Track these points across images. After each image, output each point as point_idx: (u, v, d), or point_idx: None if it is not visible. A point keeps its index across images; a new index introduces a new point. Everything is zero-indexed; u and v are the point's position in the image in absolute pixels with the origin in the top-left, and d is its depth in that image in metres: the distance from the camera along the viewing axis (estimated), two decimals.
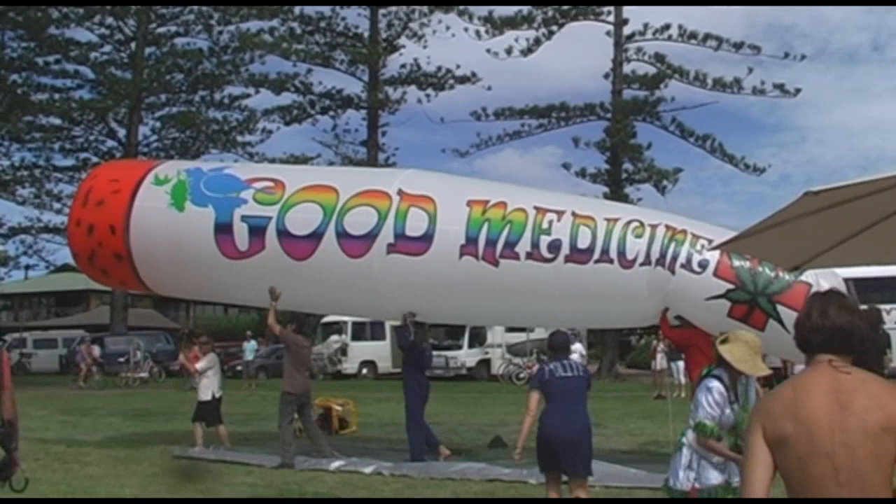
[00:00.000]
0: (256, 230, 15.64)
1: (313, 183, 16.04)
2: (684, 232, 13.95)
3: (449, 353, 42.24)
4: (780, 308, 13.08)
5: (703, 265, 13.48)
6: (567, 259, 14.03)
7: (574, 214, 14.33)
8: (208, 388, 17.26)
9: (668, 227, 14.05)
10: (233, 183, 16.22)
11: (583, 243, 14.01)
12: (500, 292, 14.55)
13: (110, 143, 56.82)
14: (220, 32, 54.94)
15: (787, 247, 7.73)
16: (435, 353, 43.55)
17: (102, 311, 63.08)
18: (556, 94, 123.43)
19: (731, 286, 13.32)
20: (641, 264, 13.76)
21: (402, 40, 54.40)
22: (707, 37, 47.88)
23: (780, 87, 47.77)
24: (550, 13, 49.23)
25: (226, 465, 15.07)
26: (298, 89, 55.10)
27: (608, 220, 14.23)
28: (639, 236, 13.93)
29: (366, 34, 54.58)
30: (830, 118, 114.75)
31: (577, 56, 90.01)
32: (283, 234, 15.47)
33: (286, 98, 55.70)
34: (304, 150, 55.86)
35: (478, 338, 41.63)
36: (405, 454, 15.43)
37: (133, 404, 28.35)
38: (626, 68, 49.45)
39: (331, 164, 54.32)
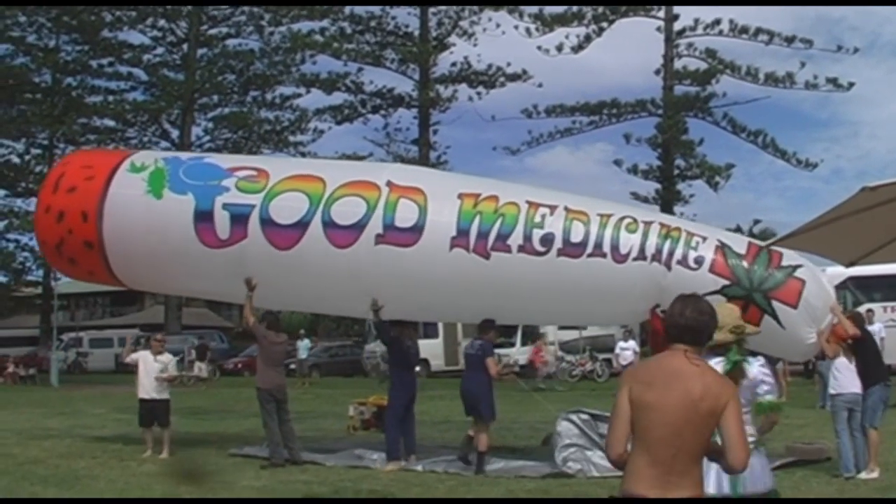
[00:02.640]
0: (238, 218, 15.17)
1: (299, 172, 15.79)
2: (678, 229, 14.09)
3: (501, 351, 42.17)
4: (775, 304, 13.22)
5: (699, 262, 13.60)
6: (560, 252, 13.98)
7: (567, 209, 14.32)
8: (145, 387, 16.54)
9: (661, 224, 14.20)
10: (214, 171, 15.92)
11: (576, 237, 13.99)
12: (490, 286, 14.26)
13: (164, 143, 57.25)
14: (272, 33, 55.24)
15: (843, 242, 7.67)
16: None
17: (157, 310, 63.48)
18: (607, 90, 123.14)
19: (726, 282, 13.37)
20: (635, 259, 13.78)
21: (453, 38, 54.37)
22: (758, 31, 47.59)
23: (833, 81, 47.34)
24: (601, 10, 49.06)
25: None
26: (349, 88, 55.22)
27: (601, 215, 14.24)
28: (632, 232, 13.96)
29: (416, 33, 54.59)
30: (882, 112, 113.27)
31: (627, 52, 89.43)
32: (266, 222, 15.03)
33: (337, 97, 55.88)
34: (356, 150, 55.83)
35: (531, 335, 41.53)
36: (460, 451, 15.38)
37: (187, 403, 28.51)
38: (678, 64, 49.22)
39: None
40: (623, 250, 13.82)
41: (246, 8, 54.48)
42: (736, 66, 47.90)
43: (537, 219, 14.19)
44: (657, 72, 49.36)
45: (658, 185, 49.43)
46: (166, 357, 16.93)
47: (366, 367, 43.89)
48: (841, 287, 39.37)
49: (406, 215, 14.55)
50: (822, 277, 14.04)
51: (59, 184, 16.34)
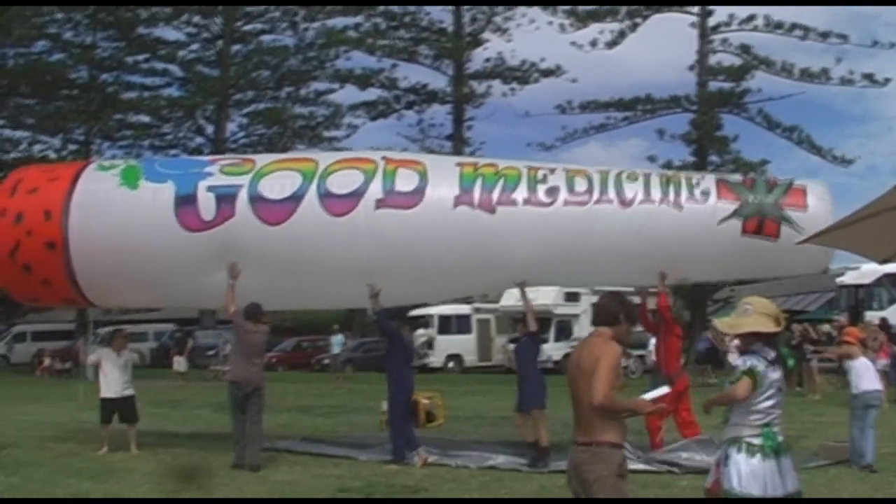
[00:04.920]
0: (225, 198, 14.41)
1: (288, 157, 15.44)
2: (677, 175, 14.55)
3: None
4: (786, 210, 13.70)
5: (706, 193, 13.99)
6: (566, 202, 13.99)
7: (566, 169, 14.55)
8: (110, 386, 16.11)
9: (660, 174, 14.55)
10: (194, 162, 15.55)
11: (580, 188, 14.08)
12: (498, 242, 13.99)
13: (199, 139, 57.65)
14: (306, 29, 55.53)
15: (878, 239, 7.64)
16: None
17: None
18: (641, 86, 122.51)
19: (736, 204, 13.79)
20: (641, 202, 13.93)
21: (487, 34, 54.43)
22: (793, 26, 47.23)
23: (869, 76, 46.97)
24: (635, 6, 48.87)
25: (314, 457, 15.18)
26: (384, 84, 55.38)
27: (600, 171, 14.50)
28: (634, 180, 14.23)
29: (450, 29, 54.66)
30: None
31: (661, 48, 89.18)
32: (256, 199, 14.34)
33: (371, 93, 56.07)
34: (390, 145, 55.83)
35: (564, 331, 41.47)
36: (492, 447, 15.39)
37: (221, 397, 28.43)
38: (712, 59, 48.94)
39: None
40: (629, 195, 13.98)
41: (281, 5, 54.62)
42: (771, 62, 47.61)
43: (539, 177, 14.28)
44: (691, 67, 49.12)
45: None
46: (129, 354, 16.53)
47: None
48: (876, 284, 39.37)
49: (406, 181, 14.30)
50: (818, 186, 14.41)
51: (17, 187, 15.29)
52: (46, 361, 45.56)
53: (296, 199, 14.27)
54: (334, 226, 14.10)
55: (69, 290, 15.22)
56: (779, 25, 47.32)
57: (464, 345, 46.25)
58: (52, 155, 53.92)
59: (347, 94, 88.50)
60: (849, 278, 40.75)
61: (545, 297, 42.33)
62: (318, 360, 47.09)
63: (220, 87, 54.82)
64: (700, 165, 48.76)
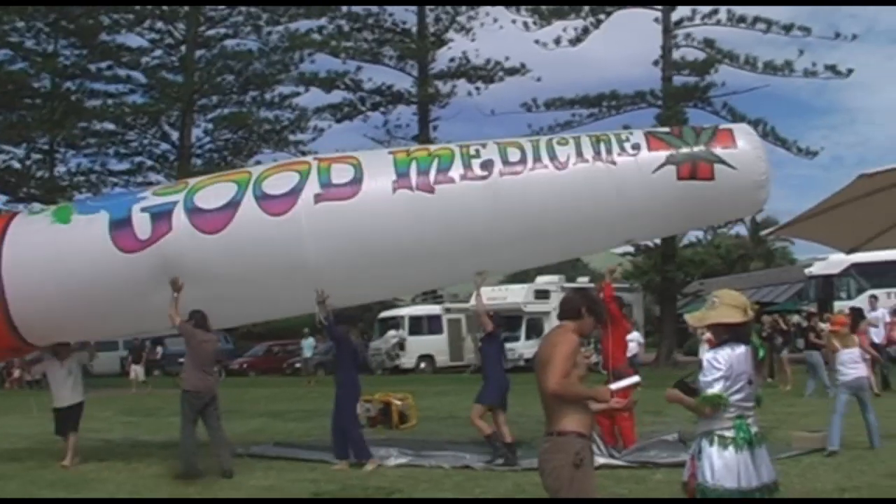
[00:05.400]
0: (160, 215, 14.24)
1: (220, 173, 15.33)
2: (606, 134, 14.56)
3: (506, 345, 42.26)
4: (717, 151, 13.89)
5: (637, 147, 14.12)
6: (502, 173, 14.04)
7: (497, 142, 14.64)
8: (60, 396, 15.90)
9: (589, 136, 14.55)
10: (127, 192, 15.28)
11: (513, 157, 14.18)
12: (441, 221, 14.00)
13: (164, 146, 57.50)
14: (269, 33, 55.33)
15: (843, 229, 7.71)
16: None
17: None
18: (606, 82, 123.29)
19: (668, 152, 13.97)
20: (575, 164, 14.00)
21: (450, 34, 54.46)
22: (756, 20, 47.35)
23: (832, 68, 47.13)
24: (597, 4, 48.99)
25: (288, 461, 15.17)
26: (349, 86, 55.31)
27: (531, 140, 14.74)
28: (564, 145, 14.35)
29: (414, 29, 54.67)
30: (880, 98, 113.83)
31: (625, 44, 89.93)
32: (192, 211, 14.18)
33: (337, 96, 55.98)
34: (357, 147, 55.81)
35: (535, 329, 41.61)
36: (465, 447, 15.42)
37: None
38: (676, 54, 49.10)
39: None
40: (562, 158, 14.06)
41: (243, 8, 54.50)
42: (734, 56, 47.78)
43: (472, 152, 14.37)
44: (656, 63, 49.25)
45: None
46: (71, 362, 16.09)
47: (371, 364, 43.97)
48: (844, 274, 39.66)
49: (342, 174, 14.28)
50: (743, 126, 15.12)
51: None
52: (16, 373, 45.24)
53: (233, 205, 14.15)
54: (275, 225, 13.99)
55: (8, 336, 14.84)
56: (742, 19, 47.50)
57: (435, 345, 46.34)
58: (16, 165, 53.68)
59: (313, 97, 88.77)
60: (817, 269, 41.05)
61: (515, 295, 42.55)
62: (290, 364, 47.07)
63: (185, 92, 54.61)
64: None
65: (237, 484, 13.21)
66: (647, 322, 53.96)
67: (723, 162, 13.78)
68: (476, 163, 14.14)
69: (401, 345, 45.57)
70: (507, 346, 41.55)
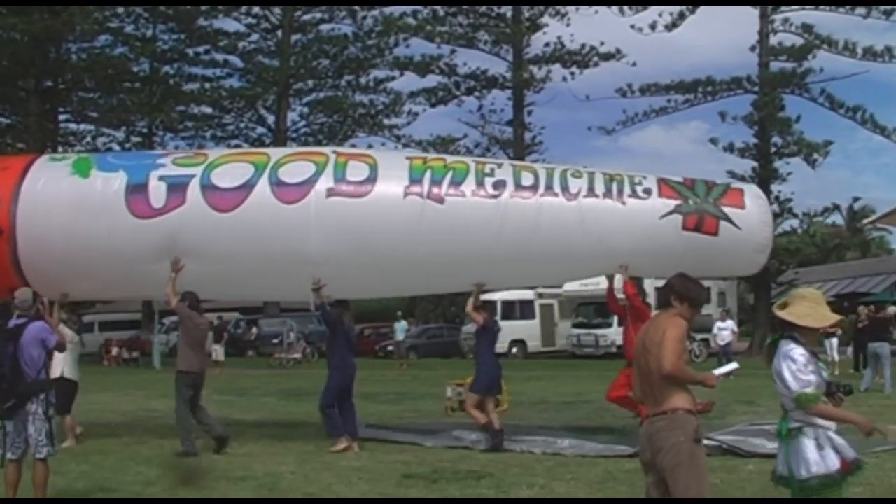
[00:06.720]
0: (176, 186, 14.51)
1: (240, 151, 15.56)
2: (619, 174, 14.75)
3: (599, 332, 42.11)
4: (725, 209, 14.15)
5: (648, 191, 14.38)
6: (513, 195, 14.33)
7: (512, 164, 15.26)
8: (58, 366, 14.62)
9: (603, 173, 14.82)
10: (146, 154, 15.57)
11: (526, 182, 14.47)
12: (446, 231, 14.26)
13: (260, 129, 58.10)
14: (364, 17, 55.57)
15: None
16: (584, 331, 43.97)
17: None
18: (701, 68, 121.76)
19: (677, 202, 14.21)
20: (586, 196, 14.29)
21: (545, 19, 54.25)
22: (856, 4, 46.54)
23: None
24: None
25: (380, 443, 15.25)
26: (443, 71, 55.43)
27: (546, 168, 15.23)
28: (578, 177, 14.64)
29: (509, 14, 54.54)
30: None
31: (721, 29, 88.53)
32: (207, 187, 14.48)
33: (431, 80, 56.17)
34: (451, 131, 56.04)
35: None
36: (557, 432, 15.40)
37: (287, 385, 28.81)
38: (773, 40, 48.44)
39: (477, 144, 54.68)
40: (573, 190, 14.37)
41: None
42: (833, 41, 47.00)
43: (487, 170, 14.70)
44: (752, 48, 48.63)
45: (755, 164, 48.72)
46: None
47: (463, 348, 43.98)
48: None
49: (357, 171, 14.57)
50: (753, 188, 15.42)
51: None
52: (114, 351, 46.13)
53: (247, 187, 14.45)
54: (285, 213, 14.30)
55: (13, 278, 14.63)
56: (841, 4, 46.69)
57: (527, 330, 46.22)
58: (116, 147, 54.49)
59: (407, 82, 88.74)
60: None
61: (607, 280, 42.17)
62: (382, 348, 47.31)
63: (281, 76, 55.11)
64: (762, 147, 48.29)
65: (329, 464, 13.28)
66: (741, 311, 53.29)
67: (729, 220, 14.11)
68: (489, 181, 14.49)
69: None
70: (600, 332, 41.74)
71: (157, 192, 14.50)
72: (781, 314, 6.86)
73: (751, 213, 14.29)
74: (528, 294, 45.80)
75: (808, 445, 6.61)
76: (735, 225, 14.07)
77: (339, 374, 15.26)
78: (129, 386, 28.43)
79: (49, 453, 10.05)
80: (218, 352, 37.53)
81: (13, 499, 10.14)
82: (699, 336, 37.73)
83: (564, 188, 14.37)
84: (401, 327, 42.52)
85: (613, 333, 40.44)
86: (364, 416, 16.87)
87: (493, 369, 15.41)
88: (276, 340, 45.41)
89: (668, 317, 7.00)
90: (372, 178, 14.45)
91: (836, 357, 27.99)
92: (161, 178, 14.68)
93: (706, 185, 14.58)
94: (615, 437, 14.84)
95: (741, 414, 15.32)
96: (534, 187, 14.39)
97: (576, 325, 44.34)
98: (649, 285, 40.26)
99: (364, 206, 14.29)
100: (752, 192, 14.80)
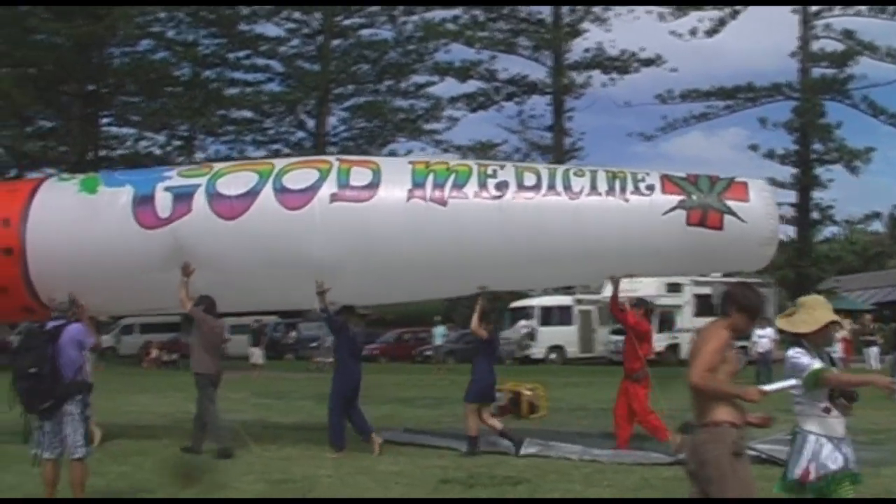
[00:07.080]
0: (182, 196, 14.69)
1: (244, 161, 15.59)
2: (622, 171, 14.73)
3: (615, 338, 41.97)
4: (729, 203, 14.07)
5: (651, 188, 14.34)
6: (515, 196, 14.38)
7: (515, 165, 15.34)
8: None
9: (606, 170, 14.77)
10: (154, 169, 15.65)
11: (529, 182, 14.52)
12: (448, 233, 14.32)
13: (300, 134, 58.36)
14: (404, 22, 55.78)
15: None
16: (622, 337, 43.52)
17: None
18: (741, 74, 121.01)
19: (681, 197, 14.16)
20: (588, 195, 14.28)
21: (585, 25, 54.26)
22: None
23: None
24: None
25: (418, 448, 15.27)
26: (483, 76, 55.55)
27: (548, 168, 15.36)
28: (581, 176, 14.65)
29: (549, 20, 54.54)
30: None
31: (762, 35, 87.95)
32: (213, 196, 14.64)
33: (471, 85, 56.33)
34: (491, 137, 56.24)
35: (667, 322, 41.18)
36: (595, 439, 15.38)
37: (325, 388, 28.66)
38: (814, 46, 48.23)
39: (517, 150, 54.71)
40: (576, 189, 14.38)
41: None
42: (875, 47, 46.79)
43: (489, 172, 14.76)
44: (793, 54, 48.53)
45: (795, 170, 48.50)
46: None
47: (501, 353, 43.95)
48: None
49: (360, 177, 14.68)
50: (758, 181, 15.08)
51: None
52: (153, 353, 46.38)
53: (252, 194, 14.59)
54: (289, 219, 14.42)
55: (25, 296, 15.02)
56: (883, 9, 46.38)
57: (565, 336, 46.13)
58: (157, 151, 54.90)
59: (447, 87, 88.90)
60: None
61: (647, 287, 42.04)
62: (420, 352, 47.33)
63: (321, 81, 55.33)
64: (803, 153, 48.04)
65: (367, 468, 13.30)
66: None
67: (733, 214, 14.03)
68: (492, 182, 14.53)
69: (531, 335, 45.48)
70: (616, 338, 41.57)
71: (164, 202, 14.72)
72: (781, 324, 7.37)
73: (755, 206, 14.20)
74: (566, 300, 45.71)
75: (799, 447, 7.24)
76: (739, 218, 14.00)
77: (340, 381, 15.33)
78: (168, 388, 28.52)
79: (85, 453, 10.19)
80: (256, 355, 37.61)
81: (52, 498, 10.27)
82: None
83: (567, 187, 14.39)
84: (439, 332, 42.51)
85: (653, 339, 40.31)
86: (402, 421, 16.94)
87: (486, 378, 15.33)
88: (314, 344, 45.48)
89: (714, 326, 6.96)
90: (375, 183, 14.57)
91: (877, 365, 27.79)
92: (167, 188, 14.92)
93: (710, 179, 14.52)
94: (652, 445, 14.78)
95: (781, 423, 15.21)
96: (536, 187, 14.44)
97: (614, 332, 44.23)
98: (688, 293, 40.36)
99: (367, 210, 14.43)
100: (756, 186, 14.67)
